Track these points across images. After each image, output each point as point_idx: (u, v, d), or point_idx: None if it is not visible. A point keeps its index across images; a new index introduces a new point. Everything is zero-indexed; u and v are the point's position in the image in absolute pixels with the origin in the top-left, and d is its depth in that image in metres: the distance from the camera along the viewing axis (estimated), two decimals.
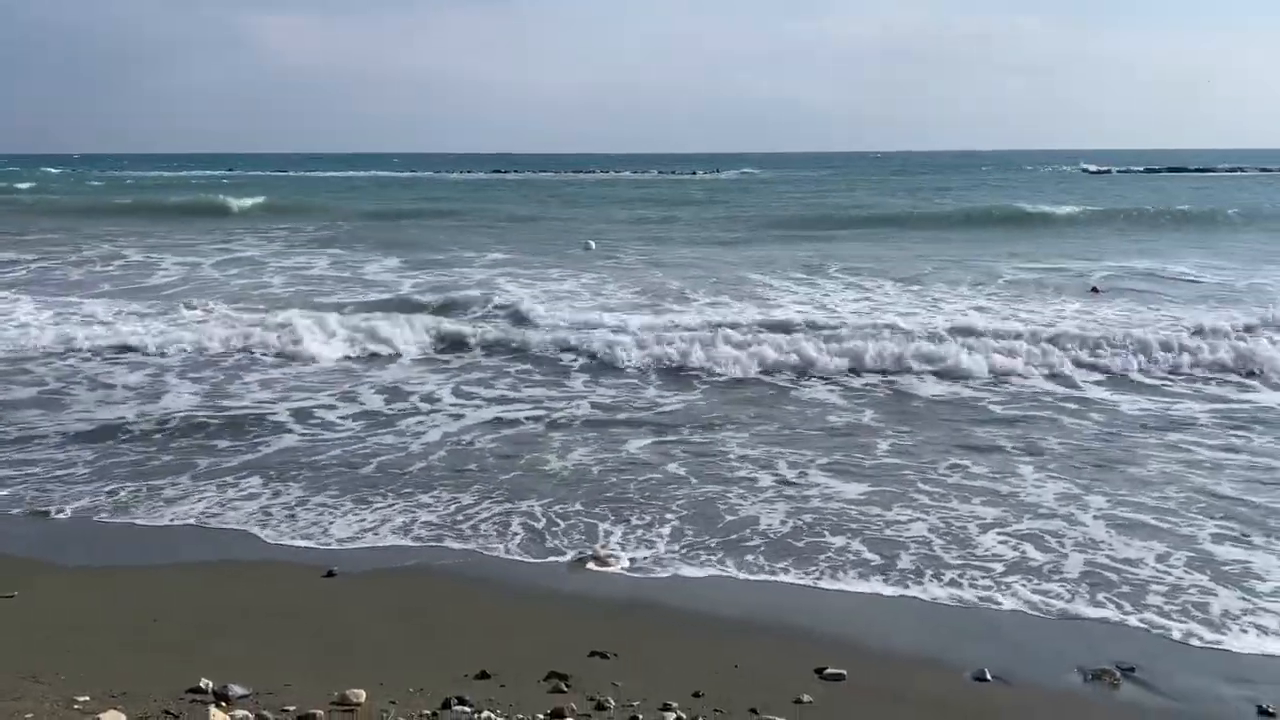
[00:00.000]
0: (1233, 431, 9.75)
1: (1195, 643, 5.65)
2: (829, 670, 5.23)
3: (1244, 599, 6.15)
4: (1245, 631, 5.77)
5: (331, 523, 7.45)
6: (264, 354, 13.36)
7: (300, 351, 13.30)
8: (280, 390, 11.54)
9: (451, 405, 10.86)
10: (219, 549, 7.03)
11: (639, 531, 7.28)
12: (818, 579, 6.49)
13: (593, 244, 27.33)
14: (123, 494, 8.02)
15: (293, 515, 7.58)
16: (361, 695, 4.80)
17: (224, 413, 10.52)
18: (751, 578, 6.54)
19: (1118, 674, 5.29)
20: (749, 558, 6.82)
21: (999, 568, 6.61)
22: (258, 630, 5.73)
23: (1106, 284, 18.90)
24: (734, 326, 14.13)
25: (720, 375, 12.14)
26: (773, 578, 6.53)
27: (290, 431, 9.86)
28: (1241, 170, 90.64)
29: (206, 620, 5.85)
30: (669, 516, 7.55)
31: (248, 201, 41.54)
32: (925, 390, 11.53)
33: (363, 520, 7.50)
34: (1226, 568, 6.60)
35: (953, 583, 6.39)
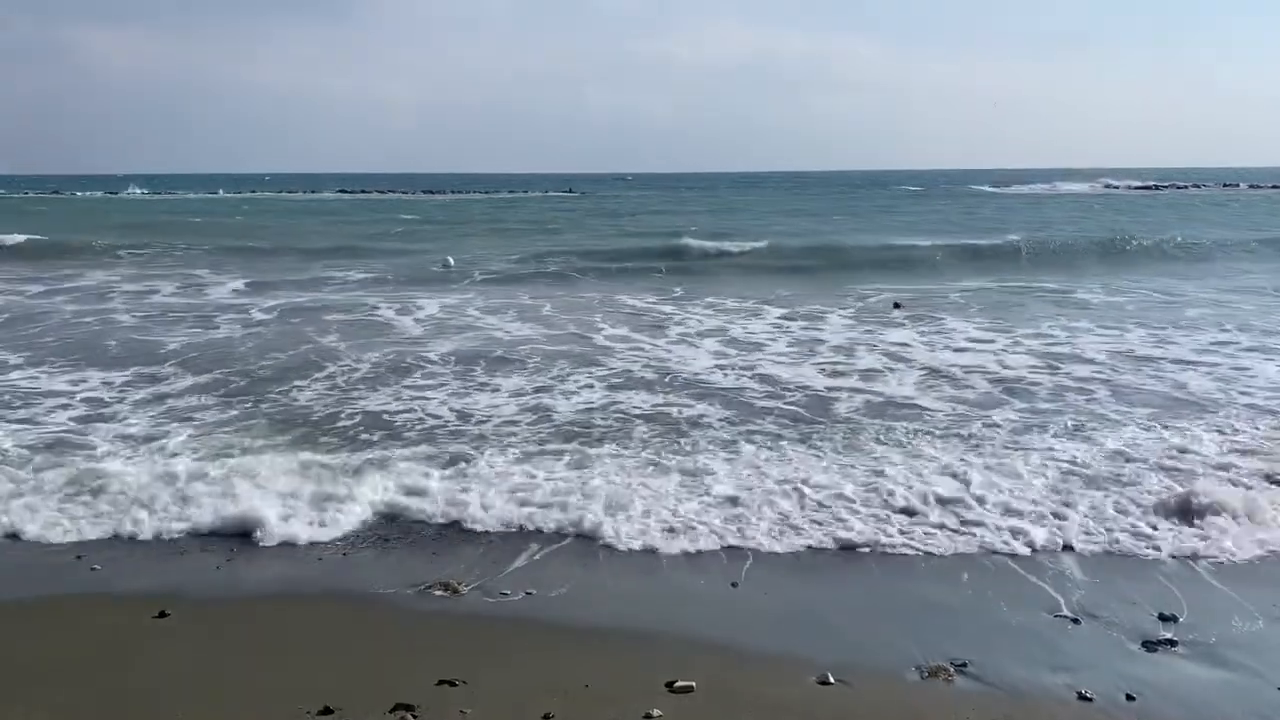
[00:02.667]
0: None
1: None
2: (679, 683, 5.28)
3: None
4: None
5: None
6: None
7: None
8: None
9: None
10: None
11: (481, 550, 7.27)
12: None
13: (451, 260, 27.15)
14: None
15: None
16: None
17: None
18: (606, 587, 6.61)
19: (951, 669, 5.53)
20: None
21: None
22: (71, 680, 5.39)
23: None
24: None
25: None
26: (626, 585, 6.60)
27: None
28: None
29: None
30: None
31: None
32: None
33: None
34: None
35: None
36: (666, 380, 12.57)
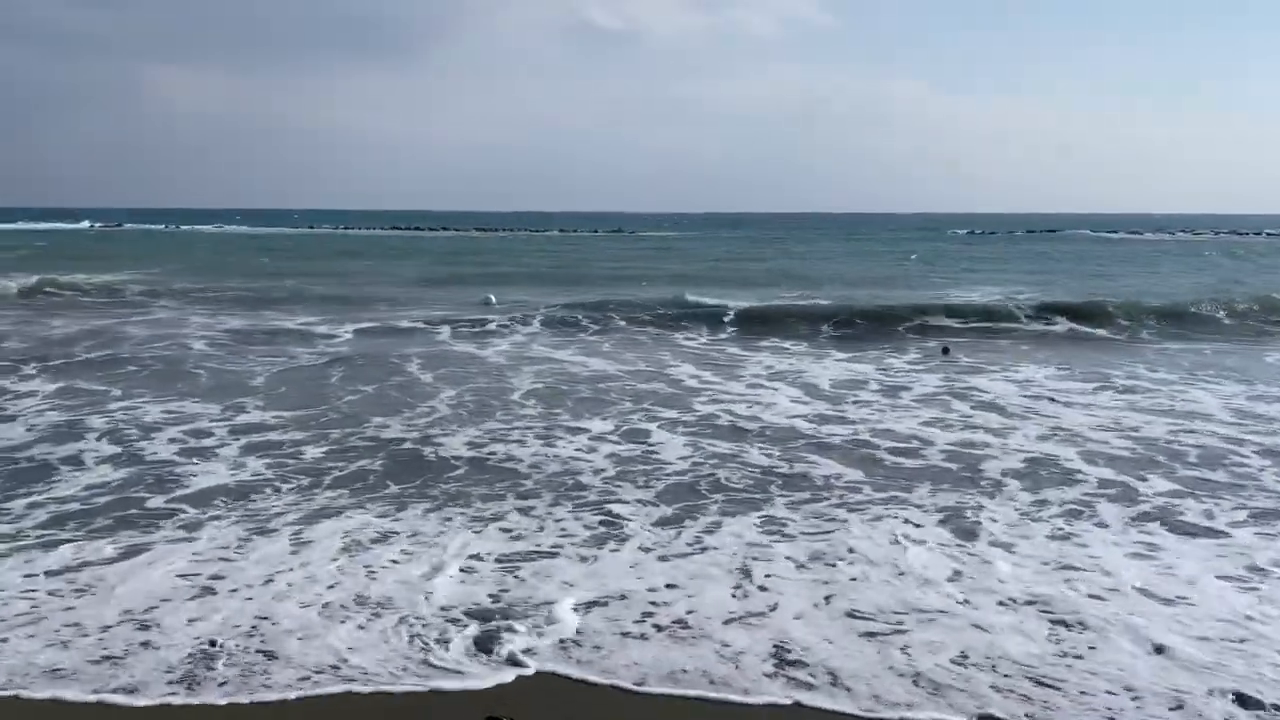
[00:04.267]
0: None
1: None
2: None
3: None
4: None
5: None
6: None
7: None
8: None
9: None
10: None
11: None
12: None
13: (493, 298, 26.18)
14: None
15: None
16: None
17: None
18: None
19: None
20: None
21: None
22: None
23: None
24: None
25: None
26: None
27: None
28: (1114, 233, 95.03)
29: None
30: None
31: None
32: None
33: None
34: None
35: None
36: (761, 431, 11.44)
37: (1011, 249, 64.08)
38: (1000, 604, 6.42)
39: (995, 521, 8.12)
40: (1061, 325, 21.82)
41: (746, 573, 6.92)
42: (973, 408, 12.88)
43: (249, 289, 29.07)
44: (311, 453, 10.20)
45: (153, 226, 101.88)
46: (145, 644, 5.70)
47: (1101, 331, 21.26)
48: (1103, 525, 8.08)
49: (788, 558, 7.22)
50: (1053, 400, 13.36)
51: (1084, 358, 17.55)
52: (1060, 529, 7.96)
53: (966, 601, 6.45)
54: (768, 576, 6.85)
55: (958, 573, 6.96)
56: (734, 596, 6.51)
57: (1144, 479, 9.45)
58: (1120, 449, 10.63)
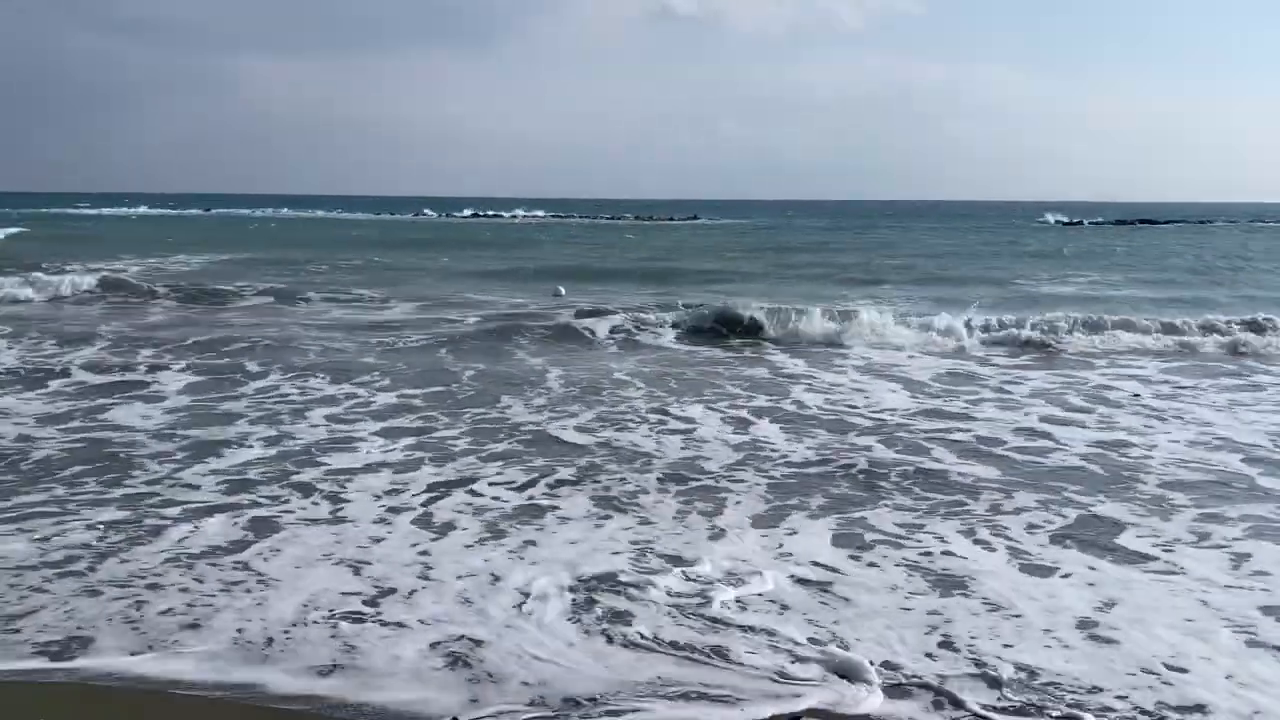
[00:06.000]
0: None
1: None
2: None
3: None
4: None
5: None
6: None
7: None
8: None
9: None
10: None
11: None
12: None
13: (562, 290, 25.97)
14: None
15: None
16: None
17: None
18: None
19: None
20: None
21: None
22: None
23: None
24: None
25: None
26: None
27: None
28: (1209, 221, 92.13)
29: None
30: None
31: None
32: None
33: None
34: None
35: None
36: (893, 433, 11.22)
37: (1152, 241, 60.62)
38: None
39: None
40: None
41: None
42: None
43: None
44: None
45: (240, 211, 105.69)
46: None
47: None
48: None
49: None
50: None
51: None
52: None
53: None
54: None
55: None
56: None
57: None
58: None
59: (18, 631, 5.69)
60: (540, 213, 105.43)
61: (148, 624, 5.82)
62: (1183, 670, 5.43)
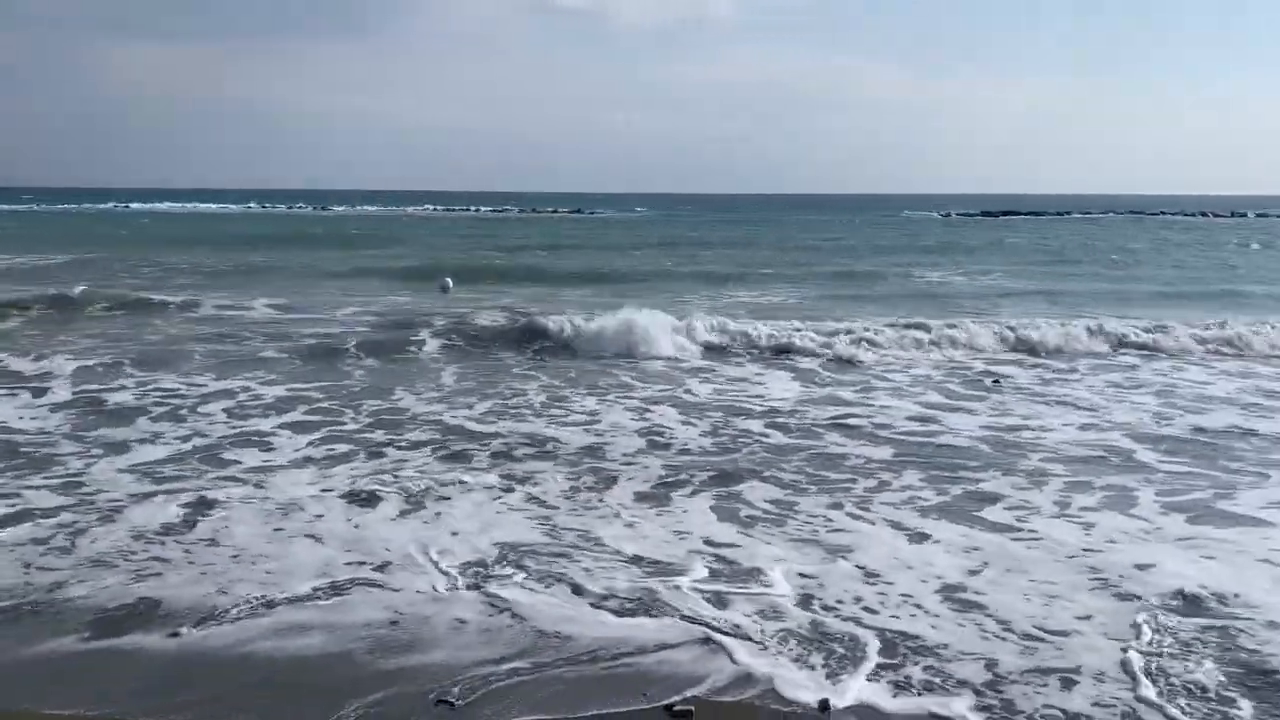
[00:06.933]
0: None
1: None
2: None
3: None
4: None
5: None
6: None
7: None
8: None
9: None
10: None
11: None
12: None
13: (450, 282, 25.02)
14: None
15: None
16: None
17: None
18: None
19: None
20: None
21: None
22: None
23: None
24: None
25: None
26: None
27: None
28: (1068, 214, 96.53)
29: None
30: None
31: None
32: None
33: None
34: None
35: None
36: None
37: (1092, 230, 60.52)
38: None
39: None
40: None
41: None
42: None
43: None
44: None
45: (101, 206, 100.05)
46: None
47: None
48: None
49: None
50: None
51: None
52: None
53: None
54: None
55: None
56: None
57: None
58: None
59: None
60: (430, 206, 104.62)
61: None
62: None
